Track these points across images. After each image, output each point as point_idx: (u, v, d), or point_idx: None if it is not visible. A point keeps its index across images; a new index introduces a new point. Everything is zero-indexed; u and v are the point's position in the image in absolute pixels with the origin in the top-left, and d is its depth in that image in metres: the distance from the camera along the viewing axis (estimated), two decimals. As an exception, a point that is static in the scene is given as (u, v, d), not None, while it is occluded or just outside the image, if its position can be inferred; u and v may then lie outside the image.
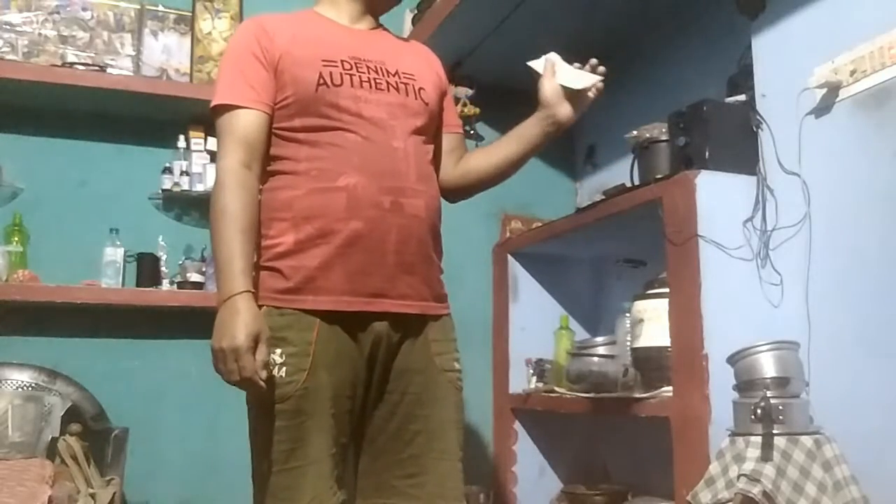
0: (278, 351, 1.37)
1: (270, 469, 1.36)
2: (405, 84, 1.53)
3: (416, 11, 2.75)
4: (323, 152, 1.43)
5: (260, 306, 1.37)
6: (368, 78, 1.49)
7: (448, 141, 1.67)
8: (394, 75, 1.52)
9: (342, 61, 1.48)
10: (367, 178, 1.41)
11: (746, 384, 1.62)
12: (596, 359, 2.22)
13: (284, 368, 1.37)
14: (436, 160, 1.61)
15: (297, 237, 1.41)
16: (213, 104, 1.47)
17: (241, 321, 1.28)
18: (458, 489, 1.50)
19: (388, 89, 1.50)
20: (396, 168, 1.44)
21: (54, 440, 1.96)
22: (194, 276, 2.40)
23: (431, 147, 1.58)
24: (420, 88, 1.54)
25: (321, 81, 1.44)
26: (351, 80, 1.47)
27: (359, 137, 1.44)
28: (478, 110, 2.83)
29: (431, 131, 1.58)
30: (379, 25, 1.66)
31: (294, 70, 1.45)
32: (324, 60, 1.47)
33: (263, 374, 1.30)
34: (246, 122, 1.44)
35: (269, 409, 1.37)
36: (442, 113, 1.64)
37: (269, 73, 1.46)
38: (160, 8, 2.55)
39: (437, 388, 1.49)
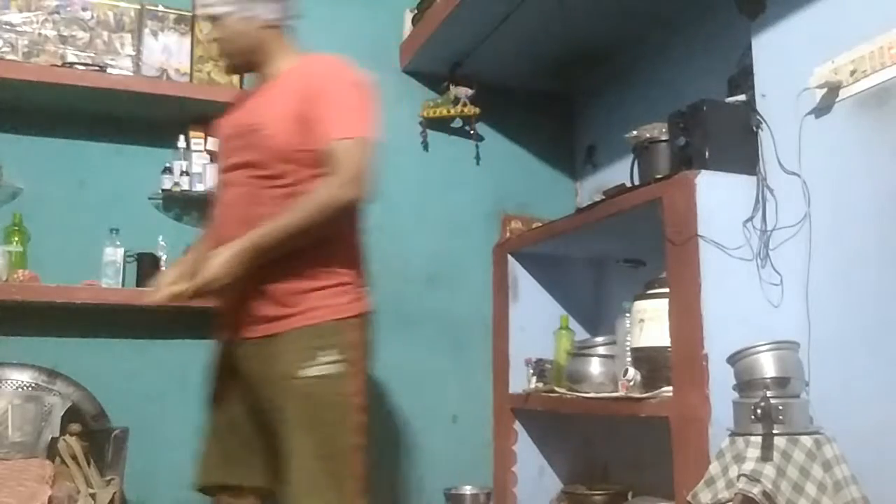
0: None
1: None
2: (251, 133, 1.67)
3: (416, 11, 2.75)
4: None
5: None
6: (228, 146, 1.75)
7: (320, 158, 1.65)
8: (246, 128, 1.69)
9: (226, 136, 1.77)
10: (216, 240, 1.66)
11: (746, 384, 1.63)
12: (596, 359, 2.22)
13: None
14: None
15: None
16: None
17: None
18: (309, 487, 1.59)
19: (237, 150, 1.70)
20: (224, 222, 1.69)
21: (54, 440, 1.96)
22: (194, 276, 2.40)
23: (274, 183, 1.66)
24: (266, 135, 1.65)
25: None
26: (223, 149, 1.79)
27: (218, 203, 1.75)
28: (478, 110, 2.83)
29: (278, 168, 1.65)
30: (273, 76, 1.75)
31: None
32: (222, 136, 1.80)
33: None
34: None
35: None
36: (302, 134, 1.64)
37: None
38: (160, 8, 2.54)
39: (285, 394, 1.62)
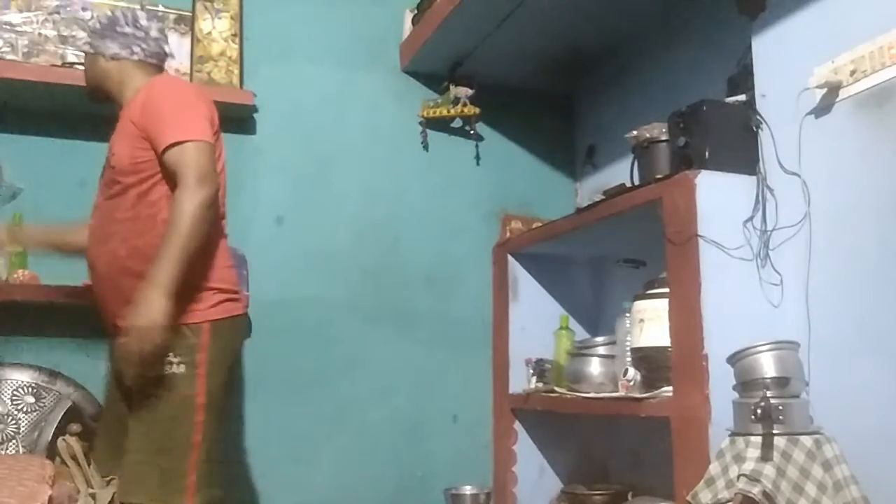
0: None
1: None
2: (108, 163, 1.85)
3: (416, 11, 2.75)
4: None
5: None
6: (101, 182, 1.92)
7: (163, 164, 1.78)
8: (108, 169, 1.86)
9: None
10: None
11: (746, 384, 1.63)
12: (596, 359, 2.22)
13: None
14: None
15: None
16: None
17: None
18: (137, 479, 1.70)
19: (103, 187, 1.88)
20: (90, 244, 1.86)
21: (54, 440, 1.96)
22: (194, 276, 2.40)
23: (128, 198, 1.80)
24: (113, 166, 1.82)
25: None
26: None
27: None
28: (478, 110, 2.83)
29: (130, 182, 1.80)
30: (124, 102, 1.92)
31: None
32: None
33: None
34: None
35: None
36: (147, 150, 1.79)
37: None
38: (160, 8, 2.54)
39: (137, 390, 1.75)
